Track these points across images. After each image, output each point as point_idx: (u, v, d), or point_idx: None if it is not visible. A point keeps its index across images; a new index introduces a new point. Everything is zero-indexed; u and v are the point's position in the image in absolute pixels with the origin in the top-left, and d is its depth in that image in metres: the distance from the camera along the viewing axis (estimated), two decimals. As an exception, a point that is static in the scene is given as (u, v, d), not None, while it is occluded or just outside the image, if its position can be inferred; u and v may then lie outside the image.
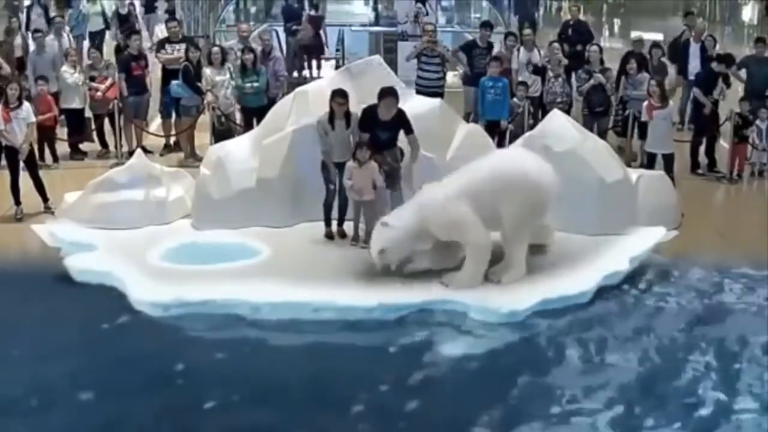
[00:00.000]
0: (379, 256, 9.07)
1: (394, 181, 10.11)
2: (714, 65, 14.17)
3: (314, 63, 18.85)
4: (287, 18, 19.54)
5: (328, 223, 10.31)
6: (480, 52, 14.63)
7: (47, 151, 13.70)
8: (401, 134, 10.12)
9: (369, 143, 9.91)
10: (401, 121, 10.00)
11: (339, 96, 10.00)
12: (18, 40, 15.46)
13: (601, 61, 14.19)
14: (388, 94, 9.97)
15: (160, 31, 19.46)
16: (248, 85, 13.74)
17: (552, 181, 9.30)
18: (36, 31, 15.60)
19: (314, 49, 18.69)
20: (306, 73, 18.43)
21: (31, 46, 15.18)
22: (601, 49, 14.55)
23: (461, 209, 8.98)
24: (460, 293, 8.96)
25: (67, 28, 17.01)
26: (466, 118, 13.48)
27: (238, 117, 13.99)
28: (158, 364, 8.00)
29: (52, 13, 18.93)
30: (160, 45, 14.70)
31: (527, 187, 9.12)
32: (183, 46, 14.47)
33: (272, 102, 12.76)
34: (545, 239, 9.81)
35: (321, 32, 19.21)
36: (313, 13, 19.69)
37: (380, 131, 10.01)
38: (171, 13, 17.39)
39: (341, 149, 10.08)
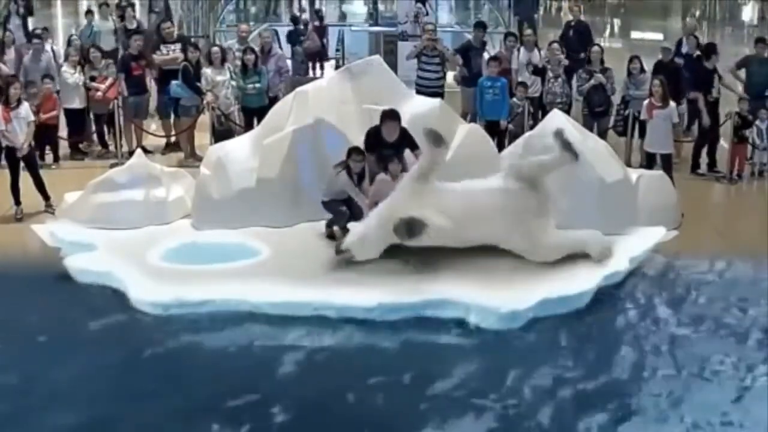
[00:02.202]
0: (344, 241, 9.36)
1: None
2: (706, 64, 14.16)
3: (317, 66, 19.79)
4: (293, 37, 19.66)
5: (330, 225, 10.27)
6: (476, 53, 14.64)
7: (48, 151, 13.70)
8: None
9: (395, 156, 9.87)
10: (405, 140, 9.99)
11: (356, 153, 9.90)
12: (11, 55, 14.83)
13: (602, 61, 14.19)
14: (389, 117, 9.91)
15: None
16: (250, 86, 13.73)
17: None
18: (35, 36, 15.42)
19: (318, 55, 19.51)
20: (310, 74, 18.80)
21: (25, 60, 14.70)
22: (602, 50, 14.55)
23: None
24: (460, 293, 8.96)
25: (50, 42, 16.05)
26: (463, 119, 13.48)
27: (237, 117, 13.98)
28: (158, 364, 8.02)
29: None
30: (155, 46, 14.65)
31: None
32: (178, 46, 14.48)
33: (274, 100, 12.73)
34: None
35: (324, 40, 20.22)
36: (317, 24, 20.02)
37: (385, 150, 9.98)
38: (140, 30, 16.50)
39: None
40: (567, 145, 9.46)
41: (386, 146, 9.95)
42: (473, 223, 9.29)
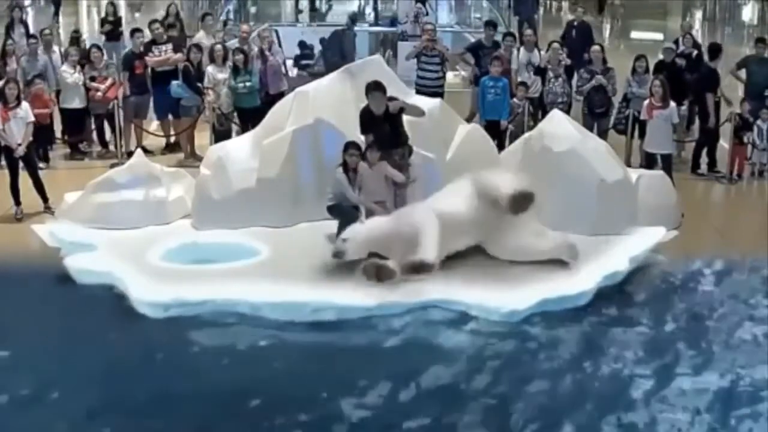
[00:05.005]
0: (340, 242, 9.21)
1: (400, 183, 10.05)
2: (712, 64, 14.15)
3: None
4: (298, 61, 19.59)
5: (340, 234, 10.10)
6: (487, 52, 14.57)
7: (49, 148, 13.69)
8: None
9: (376, 143, 9.85)
10: (395, 112, 9.90)
11: (352, 147, 9.83)
12: (13, 65, 14.40)
13: (604, 61, 14.17)
14: (372, 89, 9.87)
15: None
16: (241, 84, 13.71)
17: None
18: (31, 36, 15.38)
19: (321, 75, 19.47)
20: None
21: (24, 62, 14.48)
22: (602, 49, 14.54)
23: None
24: (460, 293, 8.97)
25: (57, 45, 15.94)
26: (471, 118, 13.49)
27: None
28: (158, 364, 8.01)
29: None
30: (147, 48, 14.61)
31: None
32: (170, 46, 14.48)
33: (275, 99, 12.72)
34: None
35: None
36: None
37: (381, 126, 9.95)
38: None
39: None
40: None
41: (380, 122, 9.89)
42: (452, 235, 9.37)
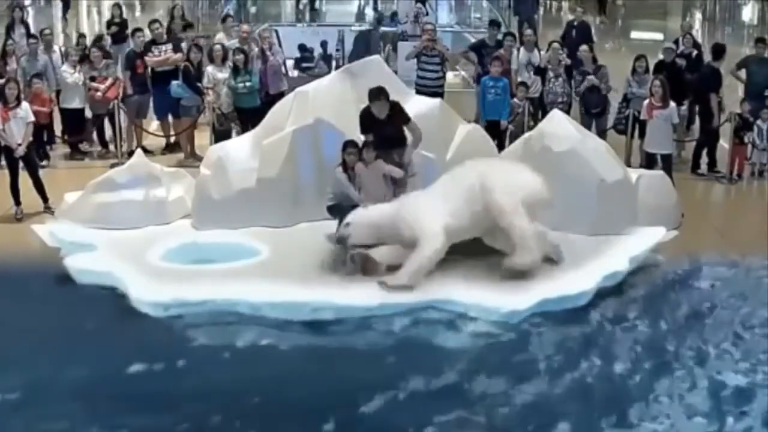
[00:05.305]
0: (344, 227, 9.23)
1: (399, 180, 10.06)
2: (715, 64, 14.16)
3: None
4: (299, 63, 19.57)
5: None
6: (489, 51, 14.53)
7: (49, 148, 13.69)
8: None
9: (373, 143, 9.85)
10: (397, 114, 9.94)
11: (351, 146, 9.83)
12: (13, 65, 14.37)
13: (594, 60, 14.14)
14: (375, 96, 9.87)
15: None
16: (241, 84, 13.71)
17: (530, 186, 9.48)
18: (32, 36, 15.39)
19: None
20: None
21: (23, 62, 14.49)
22: (591, 48, 14.50)
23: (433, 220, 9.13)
24: (460, 293, 8.97)
25: (58, 45, 15.99)
26: (478, 119, 13.48)
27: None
28: (158, 364, 8.00)
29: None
30: (147, 48, 14.61)
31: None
32: (169, 46, 14.48)
33: (275, 99, 12.72)
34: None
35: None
36: (322, 52, 19.95)
37: (381, 129, 9.96)
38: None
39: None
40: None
41: (380, 124, 9.89)
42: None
